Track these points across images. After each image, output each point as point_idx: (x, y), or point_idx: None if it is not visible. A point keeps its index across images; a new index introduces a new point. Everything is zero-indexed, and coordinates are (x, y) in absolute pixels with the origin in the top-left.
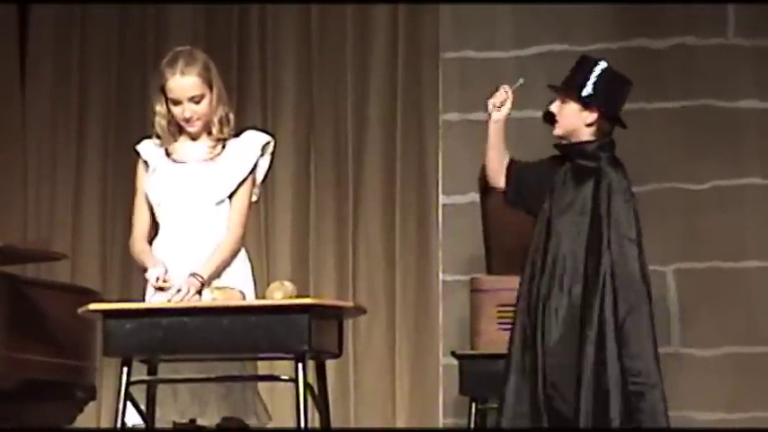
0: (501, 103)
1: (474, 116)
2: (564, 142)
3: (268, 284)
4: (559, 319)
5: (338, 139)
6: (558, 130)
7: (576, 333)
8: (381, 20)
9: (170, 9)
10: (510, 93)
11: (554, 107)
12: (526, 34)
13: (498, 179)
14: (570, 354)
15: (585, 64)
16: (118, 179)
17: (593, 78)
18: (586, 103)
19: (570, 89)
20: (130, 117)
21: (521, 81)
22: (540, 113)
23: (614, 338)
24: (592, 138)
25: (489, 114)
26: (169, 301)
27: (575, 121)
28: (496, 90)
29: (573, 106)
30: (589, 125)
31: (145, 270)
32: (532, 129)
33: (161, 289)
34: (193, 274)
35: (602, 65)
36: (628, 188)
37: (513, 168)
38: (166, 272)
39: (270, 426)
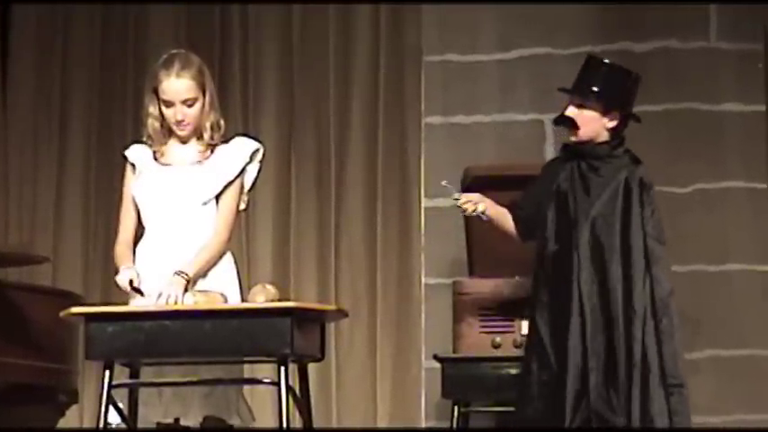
0: (474, 206)
1: (456, 119)
2: (574, 142)
3: (249, 287)
4: (599, 319)
5: (320, 141)
6: (577, 137)
7: (616, 333)
8: (364, 21)
9: (151, 10)
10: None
11: (572, 113)
12: (509, 37)
13: (512, 231)
14: (607, 352)
15: (594, 65)
16: (100, 182)
17: (605, 80)
18: (607, 109)
19: (587, 95)
20: (112, 119)
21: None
22: (522, 117)
23: (655, 337)
24: (608, 138)
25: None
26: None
27: (596, 127)
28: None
29: (592, 113)
30: (610, 129)
31: (116, 272)
32: (515, 131)
33: (136, 290)
34: (178, 272)
35: (609, 63)
36: (652, 185)
37: (514, 211)
38: (138, 275)
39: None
